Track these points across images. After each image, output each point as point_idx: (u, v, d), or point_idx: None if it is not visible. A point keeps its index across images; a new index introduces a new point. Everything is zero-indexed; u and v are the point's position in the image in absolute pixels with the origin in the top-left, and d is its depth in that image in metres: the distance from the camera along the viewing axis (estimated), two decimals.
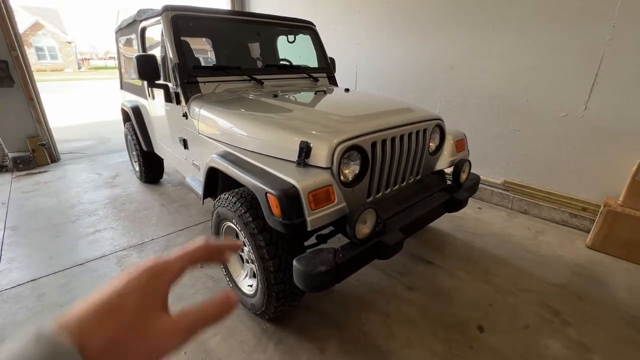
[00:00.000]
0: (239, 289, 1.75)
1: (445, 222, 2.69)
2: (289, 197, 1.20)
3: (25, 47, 3.94)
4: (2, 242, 2.43)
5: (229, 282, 1.83)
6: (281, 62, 2.83)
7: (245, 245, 1.61)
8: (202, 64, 2.57)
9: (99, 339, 0.25)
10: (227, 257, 0.36)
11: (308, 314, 1.75)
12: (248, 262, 1.70)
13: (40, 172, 3.94)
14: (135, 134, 3.17)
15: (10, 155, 3.94)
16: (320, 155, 1.36)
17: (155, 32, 2.31)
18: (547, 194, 2.78)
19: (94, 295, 0.27)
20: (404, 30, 3.38)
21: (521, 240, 2.49)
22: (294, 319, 1.71)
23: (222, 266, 1.85)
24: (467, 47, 2.97)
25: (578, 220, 2.65)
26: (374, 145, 1.50)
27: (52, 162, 4.28)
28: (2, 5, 3.55)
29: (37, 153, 4.09)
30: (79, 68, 29.86)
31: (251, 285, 1.70)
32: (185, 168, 2.41)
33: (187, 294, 1.89)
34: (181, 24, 2.09)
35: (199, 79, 2.08)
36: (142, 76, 2.01)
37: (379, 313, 1.76)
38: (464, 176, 1.91)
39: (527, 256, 2.28)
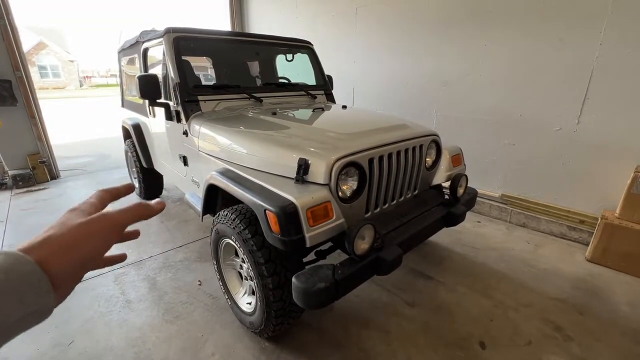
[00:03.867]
0: (238, 307, 1.74)
1: (444, 237, 2.69)
2: (288, 214, 1.22)
3: (29, 66, 4.02)
4: None
5: (228, 300, 1.82)
6: (280, 80, 2.90)
7: (244, 263, 1.61)
8: (203, 80, 2.63)
9: (37, 241, 0.31)
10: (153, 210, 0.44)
11: (307, 332, 1.73)
12: (247, 279, 1.70)
13: (39, 190, 3.95)
14: (136, 150, 3.20)
15: (10, 172, 3.96)
16: (318, 171, 1.38)
17: (157, 52, 2.38)
18: (545, 207, 2.80)
19: (56, 228, 0.34)
20: (400, 48, 3.48)
21: (521, 254, 2.49)
22: (293, 338, 1.69)
23: (220, 284, 1.84)
24: (460, 64, 3.05)
25: (576, 233, 2.65)
26: (371, 161, 1.52)
27: (51, 179, 4.30)
28: (8, 26, 3.65)
29: (37, 170, 4.10)
30: (81, 86, 30.28)
31: (250, 303, 1.69)
32: (185, 185, 2.42)
33: (186, 312, 1.87)
34: (182, 45, 2.15)
35: (200, 98, 2.12)
36: (143, 95, 2.05)
37: (379, 330, 1.75)
38: (461, 190, 1.93)
39: (527, 270, 2.28)
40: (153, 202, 0.42)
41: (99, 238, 0.35)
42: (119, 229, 0.38)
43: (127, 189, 0.46)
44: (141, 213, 0.41)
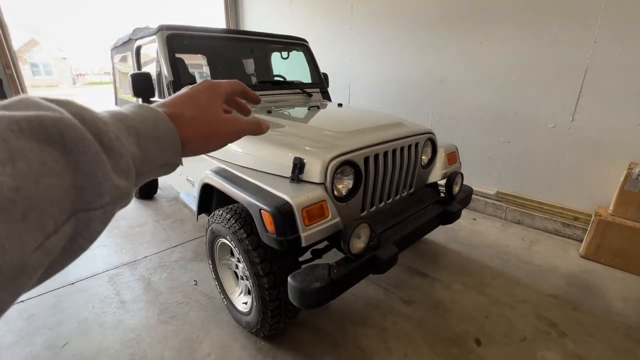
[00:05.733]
0: (234, 307, 1.73)
1: (440, 234, 2.70)
2: (283, 213, 1.21)
3: (20, 64, 3.96)
4: None
5: (224, 299, 1.81)
6: (275, 78, 2.88)
7: (240, 262, 1.60)
8: (197, 78, 2.60)
9: (185, 115, 0.36)
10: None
11: (304, 331, 1.73)
12: (243, 279, 1.69)
13: None
14: None
15: None
16: (314, 170, 1.37)
17: (151, 49, 2.35)
18: (539, 204, 2.81)
19: (174, 97, 0.38)
20: (395, 46, 3.47)
21: (515, 251, 2.50)
22: (289, 337, 1.69)
23: (216, 283, 1.83)
24: (456, 62, 3.05)
25: (571, 229, 2.68)
26: (366, 160, 1.52)
27: None
28: None
29: None
30: (74, 84, 29.94)
31: (246, 303, 1.68)
32: (180, 184, 2.40)
33: (181, 312, 1.86)
34: (176, 42, 2.13)
35: None
36: (137, 93, 2.03)
37: (375, 328, 1.75)
38: (456, 188, 1.93)
39: (521, 267, 2.29)
40: (262, 122, 0.47)
41: (229, 140, 0.41)
42: (240, 136, 0.43)
43: (255, 99, 0.51)
44: (255, 130, 0.46)
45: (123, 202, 0.28)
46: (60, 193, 0.22)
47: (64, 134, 0.22)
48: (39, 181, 0.20)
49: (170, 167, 0.34)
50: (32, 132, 0.21)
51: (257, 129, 0.46)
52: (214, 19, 5.58)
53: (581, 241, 2.53)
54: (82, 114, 0.25)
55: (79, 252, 0.26)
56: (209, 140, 0.38)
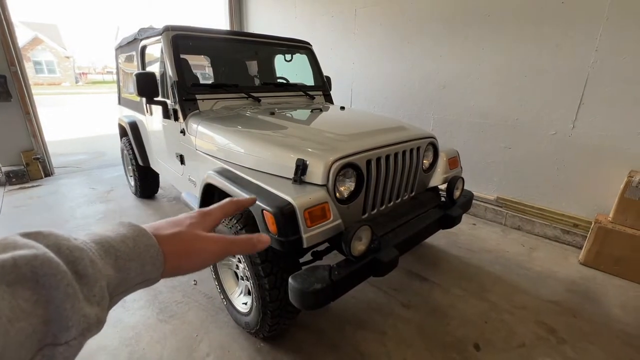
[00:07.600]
0: (233, 307, 1.73)
1: (440, 238, 2.70)
2: (285, 214, 1.21)
3: (24, 62, 3.98)
4: None
5: (223, 300, 1.81)
6: (278, 80, 2.90)
7: (240, 263, 1.61)
8: (200, 79, 2.61)
9: (165, 233, 0.37)
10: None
11: (303, 333, 1.72)
12: (243, 279, 1.69)
13: (33, 187, 3.91)
14: (132, 148, 3.18)
15: (3, 169, 3.91)
16: (316, 172, 1.38)
17: (155, 50, 2.36)
18: (539, 210, 2.82)
19: (184, 230, 0.40)
20: (398, 50, 3.50)
21: (515, 257, 2.50)
22: (289, 338, 1.68)
23: (216, 283, 1.83)
24: (458, 67, 3.07)
25: (570, 236, 2.68)
26: (368, 162, 1.53)
27: (45, 176, 4.25)
28: (3, 21, 3.61)
29: (30, 167, 4.06)
30: (77, 82, 30.03)
31: (245, 303, 1.68)
32: (182, 184, 2.41)
33: (180, 311, 1.86)
34: (181, 43, 2.14)
35: (197, 96, 2.11)
36: (141, 93, 2.04)
37: (375, 331, 1.75)
38: (457, 193, 1.94)
39: (521, 272, 2.29)
40: (256, 238, 0.45)
41: (210, 258, 0.40)
42: (227, 255, 0.42)
43: (251, 202, 0.51)
44: (248, 248, 0.44)
45: (91, 332, 0.27)
46: (29, 333, 0.22)
47: (37, 270, 0.23)
48: (9, 329, 0.20)
49: (148, 282, 0.34)
50: (4, 277, 0.22)
51: (248, 248, 0.44)
52: (218, 21, 5.61)
53: (581, 248, 2.53)
54: (58, 245, 0.26)
55: None
56: (187, 257, 0.38)
